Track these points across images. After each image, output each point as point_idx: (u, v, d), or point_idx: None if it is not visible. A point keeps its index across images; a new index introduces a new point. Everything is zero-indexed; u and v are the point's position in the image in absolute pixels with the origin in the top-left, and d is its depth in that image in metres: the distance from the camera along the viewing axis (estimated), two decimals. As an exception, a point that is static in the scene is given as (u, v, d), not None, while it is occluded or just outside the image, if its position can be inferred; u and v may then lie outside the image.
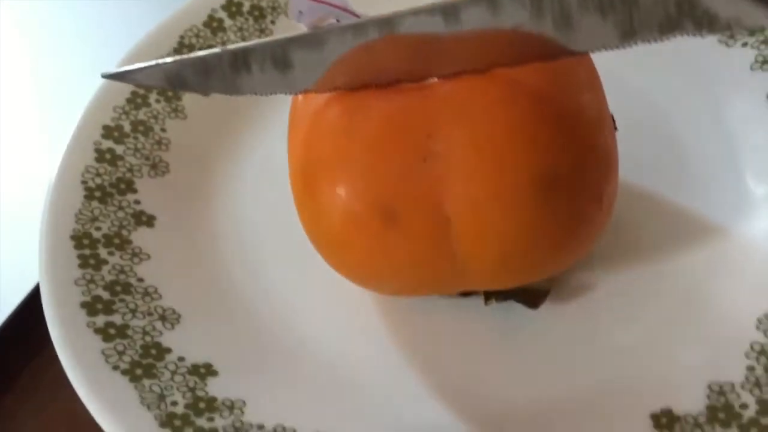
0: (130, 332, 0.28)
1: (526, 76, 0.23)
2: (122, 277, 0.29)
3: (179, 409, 0.26)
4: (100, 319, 0.28)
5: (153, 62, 0.24)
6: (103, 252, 0.30)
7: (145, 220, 0.32)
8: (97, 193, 0.31)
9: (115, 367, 0.27)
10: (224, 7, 0.38)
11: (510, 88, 0.23)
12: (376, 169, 0.24)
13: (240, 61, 0.23)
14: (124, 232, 0.31)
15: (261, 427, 0.26)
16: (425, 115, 0.23)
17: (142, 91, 0.35)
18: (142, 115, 0.34)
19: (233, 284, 0.31)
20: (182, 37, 0.36)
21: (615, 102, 0.26)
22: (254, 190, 0.34)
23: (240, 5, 0.38)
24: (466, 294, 0.29)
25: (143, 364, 0.27)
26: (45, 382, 0.32)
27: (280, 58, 0.23)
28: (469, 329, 0.29)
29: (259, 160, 0.35)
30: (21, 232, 0.34)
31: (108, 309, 0.28)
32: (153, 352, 0.27)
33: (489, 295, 0.28)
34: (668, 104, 0.34)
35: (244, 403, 0.27)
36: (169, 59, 0.24)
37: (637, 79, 0.35)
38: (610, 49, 0.21)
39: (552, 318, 0.29)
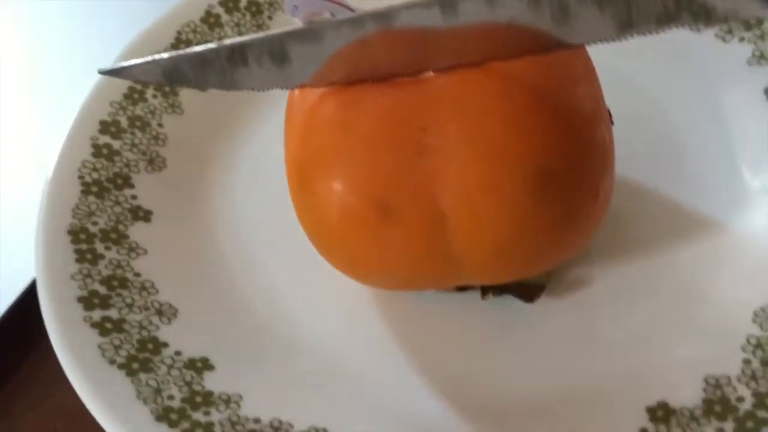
0: (126, 327, 0.28)
1: (522, 69, 0.23)
2: (119, 271, 0.29)
3: (176, 403, 0.26)
4: (97, 314, 0.28)
5: (150, 58, 0.24)
6: (99, 247, 0.30)
7: (142, 215, 0.32)
8: (94, 188, 0.31)
9: (112, 362, 0.27)
10: (221, 3, 0.38)
11: (506, 82, 0.23)
12: (371, 163, 0.24)
13: (237, 55, 0.23)
14: (121, 227, 0.31)
15: (257, 420, 0.26)
16: (421, 108, 0.23)
17: (139, 87, 0.35)
18: (139, 110, 0.34)
19: (230, 279, 0.31)
20: (179, 33, 0.36)
21: (612, 96, 0.26)
22: (251, 185, 0.34)
23: (237, 1, 0.38)
24: (462, 288, 0.29)
25: (140, 358, 0.27)
26: (41, 377, 0.32)
27: (277, 52, 0.23)
28: (465, 324, 0.29)
29: (255, 155, 0.35)
30: (18, 227, 0.34)
31: (105, 303, 0.28)
32: (150, 346, 0.27)
33: (486, 290, 0.28)
34: (665, 99, 0.34)
35: (240, 397, 0.27)
36: (166, 55, 0.24)
37: (634, 74, 0.35)
38: (607, 42, 0.21)
39: (548, 312, 0.29)
